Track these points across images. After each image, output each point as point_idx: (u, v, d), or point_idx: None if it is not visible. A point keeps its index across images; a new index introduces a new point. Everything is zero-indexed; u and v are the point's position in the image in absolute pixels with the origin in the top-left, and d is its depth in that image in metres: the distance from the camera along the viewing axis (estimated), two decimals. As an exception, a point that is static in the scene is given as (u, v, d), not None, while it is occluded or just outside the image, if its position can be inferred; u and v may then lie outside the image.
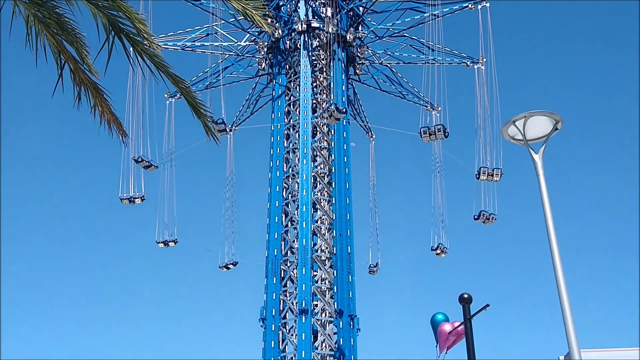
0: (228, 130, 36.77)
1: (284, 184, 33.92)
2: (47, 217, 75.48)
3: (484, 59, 36.55)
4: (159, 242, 36.09)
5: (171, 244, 36.22)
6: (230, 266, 36.78)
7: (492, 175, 34.06)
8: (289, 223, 33.13)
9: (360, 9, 36.51)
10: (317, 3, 35.65)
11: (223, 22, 36.09)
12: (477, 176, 34.26)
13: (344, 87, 35.47)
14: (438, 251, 36.51)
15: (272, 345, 30.99)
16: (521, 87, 76.47)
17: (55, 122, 75.71)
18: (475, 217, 34.83)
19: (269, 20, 33.09)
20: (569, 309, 9.79)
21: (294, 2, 35.75)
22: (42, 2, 9.27)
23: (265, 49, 36.47)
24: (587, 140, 74.52)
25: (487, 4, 35.06)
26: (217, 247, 37.15)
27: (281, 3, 35.85)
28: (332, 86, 34.63)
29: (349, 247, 32.76)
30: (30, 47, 10.51)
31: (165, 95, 37.72)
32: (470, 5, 35.43)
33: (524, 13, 79.86)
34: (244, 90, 41.26)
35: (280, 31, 35.33)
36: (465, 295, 14.90)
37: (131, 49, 9.92)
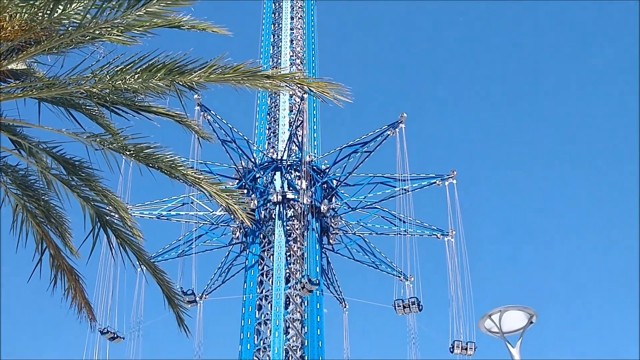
0: (198, 299, 36.27)
1: (254, 357, 32.84)
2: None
3: (454, 232, 37.61)
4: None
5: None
6: None
7: (466, 349, 33.66)
8: (259, 399, 31.67)
9: (334, 182, 37.89)
10: (292, 176, 36.98)
11: (199, 192, 36.92)
12: (452, 350, 33.78)
13: (317, 256, 35.76)
14: None
15: None
16: (491, 256, 77.92)
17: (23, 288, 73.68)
18: (452, 394, 33.79)
19: (249, 200, 33.90)
20: None
21: (270, 174, 37.07)
22: (32, 194, 9.58)
23: (240, 219, 37.08)
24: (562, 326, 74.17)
25: (454, 181, 36.83)
26: None
27: (258, 175, 37.14)
28: (305, 256, 34.88)
29: None
30: (13, 232, 10.76)
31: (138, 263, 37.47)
32: (437, 182, 37.15)
33: (492, 183, 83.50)
34: (217, 258, 41.29)
35: (255, 201, 36.18)
36: None
37: (114, 238, 10.14)
